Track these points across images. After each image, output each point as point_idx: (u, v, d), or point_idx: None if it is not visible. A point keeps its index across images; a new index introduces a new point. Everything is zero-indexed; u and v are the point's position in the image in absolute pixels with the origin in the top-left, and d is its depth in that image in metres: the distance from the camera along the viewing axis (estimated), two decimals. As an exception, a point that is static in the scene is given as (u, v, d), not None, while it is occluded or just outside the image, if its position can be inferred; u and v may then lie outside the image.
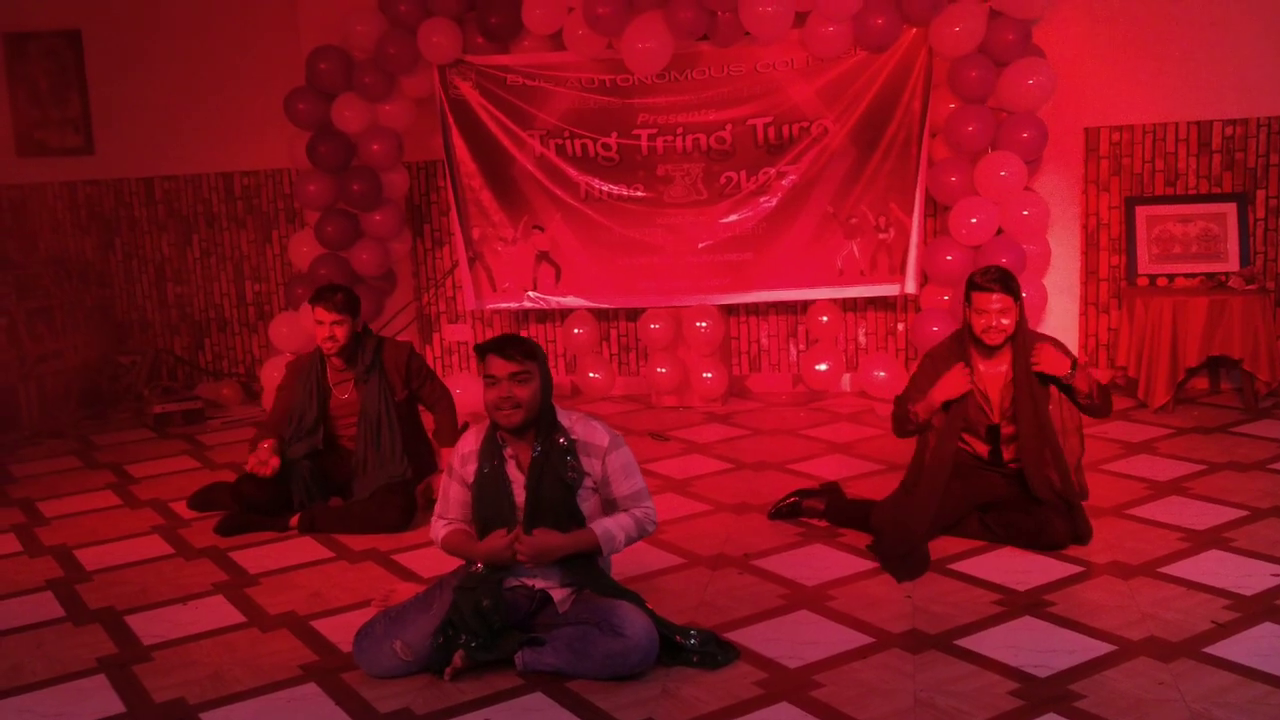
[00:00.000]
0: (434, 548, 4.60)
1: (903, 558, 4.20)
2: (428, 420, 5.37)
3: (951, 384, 4.38)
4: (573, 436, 3.60)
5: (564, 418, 3.64)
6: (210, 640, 3.88)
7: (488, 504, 3.60)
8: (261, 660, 3.69)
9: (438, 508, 3.76)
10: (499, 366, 3.50)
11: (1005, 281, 4.35)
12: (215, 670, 3.63)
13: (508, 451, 3.61)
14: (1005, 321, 4.33)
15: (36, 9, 7.93)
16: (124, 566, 4.66)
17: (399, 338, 6.94)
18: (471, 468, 3.64)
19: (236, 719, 3.30)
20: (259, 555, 4.70)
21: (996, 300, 4.33)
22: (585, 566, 3.57)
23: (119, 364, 8.01)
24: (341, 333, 4.96)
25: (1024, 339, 4.40)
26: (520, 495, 3.57)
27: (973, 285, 4.40)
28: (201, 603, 4.23)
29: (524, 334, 7.55)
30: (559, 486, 3.54)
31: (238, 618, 4.07)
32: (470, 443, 3.68)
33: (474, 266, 7.17)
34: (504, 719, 3.22)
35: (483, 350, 3.55)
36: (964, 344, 4.47)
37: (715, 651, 3.50)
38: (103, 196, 8.18)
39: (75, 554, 4.84)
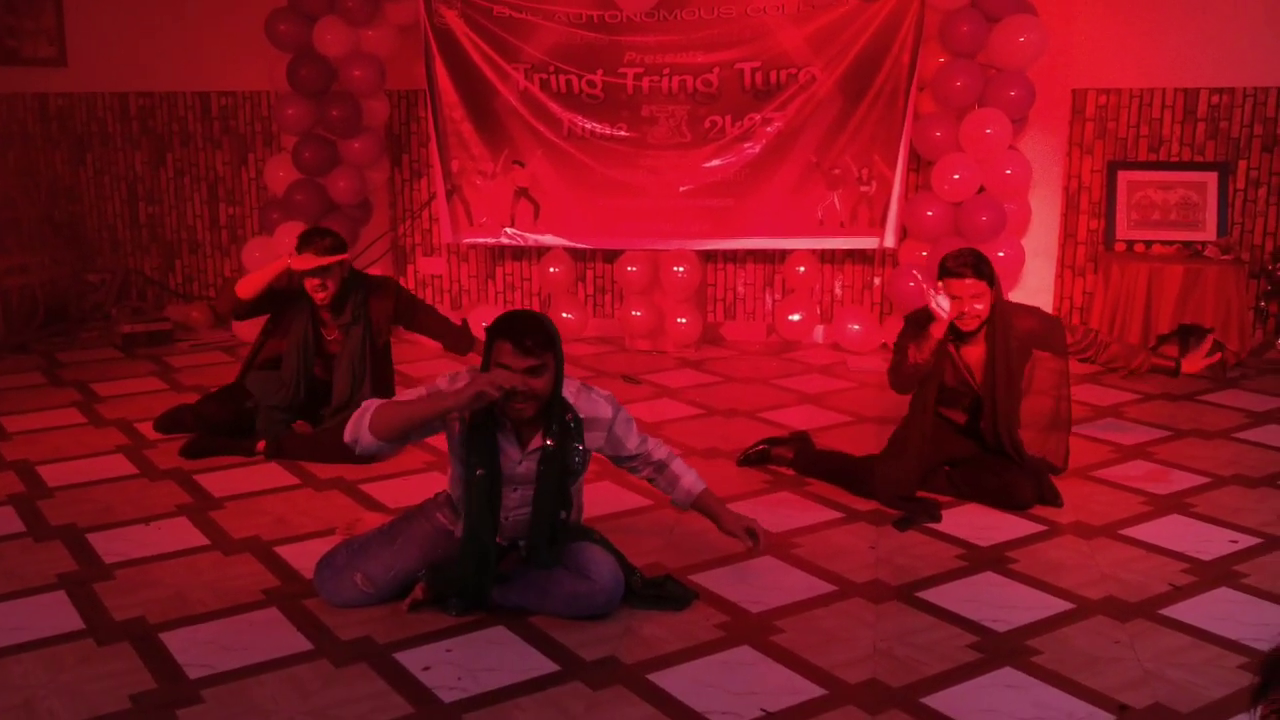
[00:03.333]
0: (401, 479, 4.66)
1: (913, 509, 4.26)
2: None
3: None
4: (579, 415, 3.41)
5: (566, 391, 3.41)
6: (173, 561, 3.86)
7: (479, 463, 3.34)
8: (224, 583, 3.68)
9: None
10: (512, 358, 3.22)
11: (978, 266, 4.23)
12: (177, 591, 3.62)
13: (508, 425, 3.37)
14: (979, 307, 4.23)
15: (12, -87, 7.74)
16: (87, 485, 4.62)
17: (373, 269, 6.92)
18: (456, 426, 3.38)
19: (197, 640, 3.29)
20: (224, 479, 4.68)
21: (970, 285, 4.21)
22: (552, 536, 3.45)
23: (87, 282, 7.90)
24: (333, 283, 4.85)
25: (1002, 316, 4.32)
26: (505, 462, 3.38)
27: (944, 270, 4.27)
28: (165, 524, 4.20)
29: (499, 270, 7.51)
30: (564, 473, 3.38)
31: (201, 540, 4.05)
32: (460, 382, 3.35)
33: (452, 199, 7.09)
34: (466, 651, 3.23)
35: (494, 333, 3.28)
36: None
37: (673, 593, 3.51)
38: (75, 110, 8.03)
39: (38, 470, 4.79)
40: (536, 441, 3.38)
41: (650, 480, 3.70)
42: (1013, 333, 4.35)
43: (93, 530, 4.13)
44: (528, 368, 3.24)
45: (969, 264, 4.23)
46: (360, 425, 3.32)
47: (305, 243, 4.86)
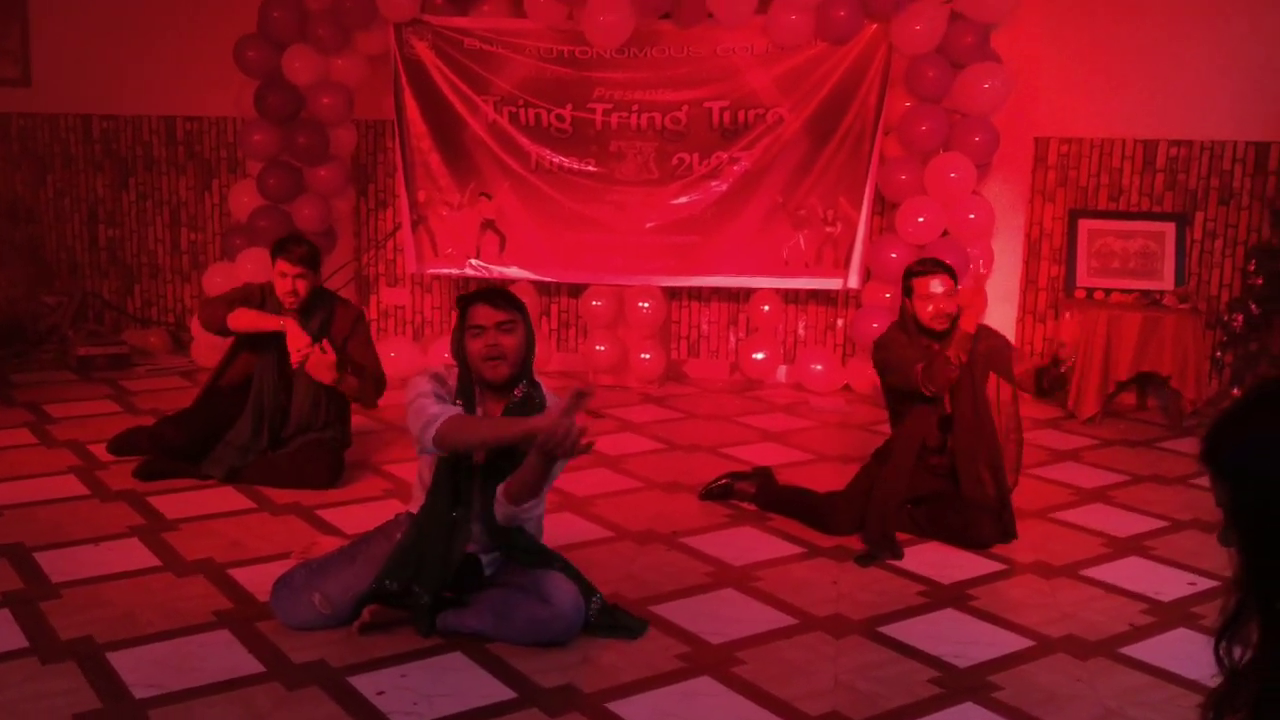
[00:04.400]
0: (359, 505, 4.60)
1: (884, 538, 4.26)
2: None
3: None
4: (544, 393, 3.52)
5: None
6: (123, 581, 3.77)
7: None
8: (175, 604, 3.60)
9: (429, 407, 3.34)
10: (485, 315, 3.39)
11: (944, 265, 4.42)
12: (126, 611, 3.53)
13: (483, 407, 3.48)
14: (950, 305, 4.36)
15: (-20, -68, 7.68)
16: (36, 504, 4.52)
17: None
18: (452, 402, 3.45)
19: (145, 660, 3.21)
20: (179, 501, 4.59)
21: (940, 282, 4.35)
22: (518, 536, 3.48)
23: (44, 304, 7.78)
24: (303, 286, 4.84)
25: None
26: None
27: (912, 274, 4.43)
28: (116, 544, 4.11)
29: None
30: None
31: (153, 561, 3.96)
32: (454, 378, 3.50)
33: (417, 230, 7.07)
34: (422, 677, 3.17)
35: (466, 300, 3.45)
36: (911, 335, 4.45)
37: (624, 622, 3.48)
38: (37, 130, 7.94)
39: (-15, 489, 4.70)
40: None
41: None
42: (977, 352, 4.40)
43: (41, 549, 4.03)
44: (499, 323, 3.39)
45: (936, 262, 4.42)
46: (426, 434, 3.27)
47: (280, 248, 4.88)
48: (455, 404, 3.40)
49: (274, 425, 4.93)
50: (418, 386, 3.39)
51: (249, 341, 4.98)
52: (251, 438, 4.90)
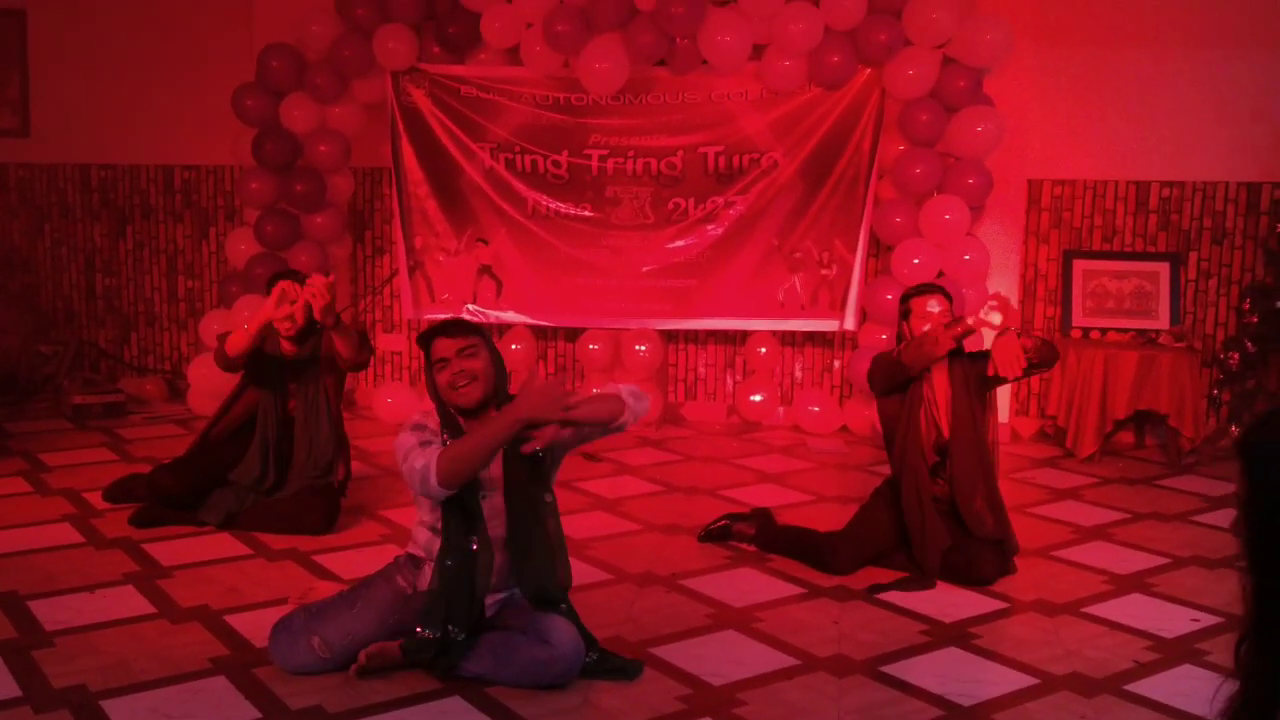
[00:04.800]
0: (355, 550, 4.58)
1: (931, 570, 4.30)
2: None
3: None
4: None
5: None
6: (117, 629, 3.74)
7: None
8: (170, 651, 3.56)
9: (416, 462, 3.27)
10: (445, 347, 3.41)
11: (941, 287, 4.54)
12: (120, 659, 3.49)
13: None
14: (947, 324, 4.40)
15: (-20, -14, 7.75)
16: (30, 552, 4.49)
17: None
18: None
19: (140, 708, 3.18)
20: (174, 548, 4.56)
21: (937, 302, 4.43)
22: (545, 571, 3.46)
23: (40, 353, 7.77)
24: (301, 313, 4.83)
25: (961, 359, 4.46)
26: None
27: (909, 296, 4.54)
28: (110, 592, 4.08)
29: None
30: (528, 460, 3.40)
31: (148, 608, 3.93)
32: (434, 421, 3.46)
33: (414, 275, 7.09)
34: (420, 721, 3.14)
35: (425, 338, 3.46)
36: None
37: (619, 664, 3.46)
38: (35, 180, 7.97)
39: (-21, 538, 4.66)
40: None
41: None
42: (968, 370, 4.46)
43: (34, 598, 3.99)
44: (459, 350, 3.40)
45: (933, 285, 4.59)
46: (429, 485, 3.23)
47: (281, 276, 4.93)
48: (444, 439, 3.37)
49: (279, 459, 4.91)
50: (403, 445, 3.32)
51: (255, 378, 4.97)
52: (259, 476, 4.88)
